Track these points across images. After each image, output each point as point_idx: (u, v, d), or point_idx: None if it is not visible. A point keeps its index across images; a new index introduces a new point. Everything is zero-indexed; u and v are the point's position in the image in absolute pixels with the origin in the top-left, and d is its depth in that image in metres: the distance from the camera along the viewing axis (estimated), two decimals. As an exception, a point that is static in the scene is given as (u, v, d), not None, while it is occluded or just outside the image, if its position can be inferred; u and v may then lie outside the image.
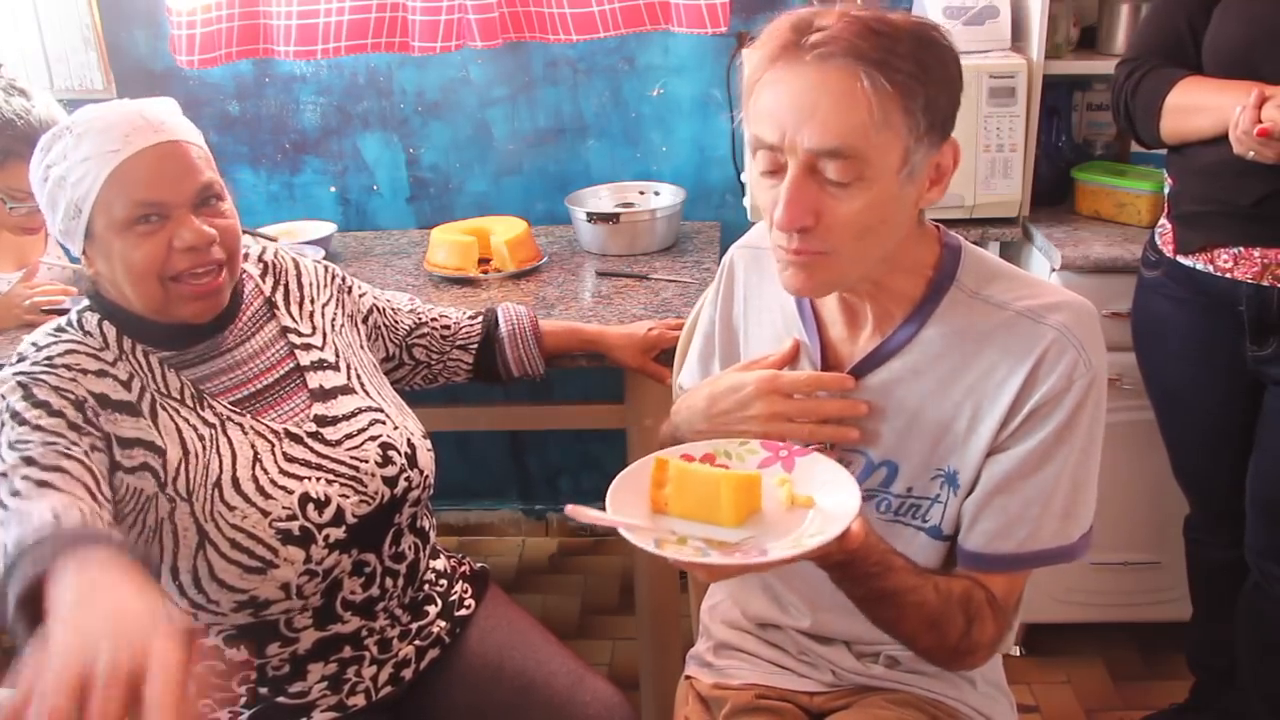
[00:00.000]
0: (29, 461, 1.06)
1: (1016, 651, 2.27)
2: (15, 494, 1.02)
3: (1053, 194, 2.25)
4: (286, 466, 1.24)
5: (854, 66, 0.95)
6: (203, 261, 1.18)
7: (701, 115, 2.45)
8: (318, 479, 1.25)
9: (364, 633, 1.31)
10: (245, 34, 2.33)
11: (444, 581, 1.44)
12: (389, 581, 1.32)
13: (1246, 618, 1.80)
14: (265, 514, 1.20)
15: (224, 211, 1.22)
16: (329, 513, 1.23)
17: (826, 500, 1.01)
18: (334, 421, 1.30)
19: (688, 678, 1.38)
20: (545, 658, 1.41)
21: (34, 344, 1.20)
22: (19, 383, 1.13)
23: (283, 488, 1.22)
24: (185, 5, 2.23)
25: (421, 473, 1.34)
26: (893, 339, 1.11)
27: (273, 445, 1.24)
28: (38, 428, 1.09)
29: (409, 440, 1.34)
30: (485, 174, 2.54)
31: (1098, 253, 1.99)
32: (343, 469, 1.27)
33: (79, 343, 1.19)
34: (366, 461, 1.29)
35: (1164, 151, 1.76)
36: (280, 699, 1.27)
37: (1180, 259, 1.70)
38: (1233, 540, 1.80)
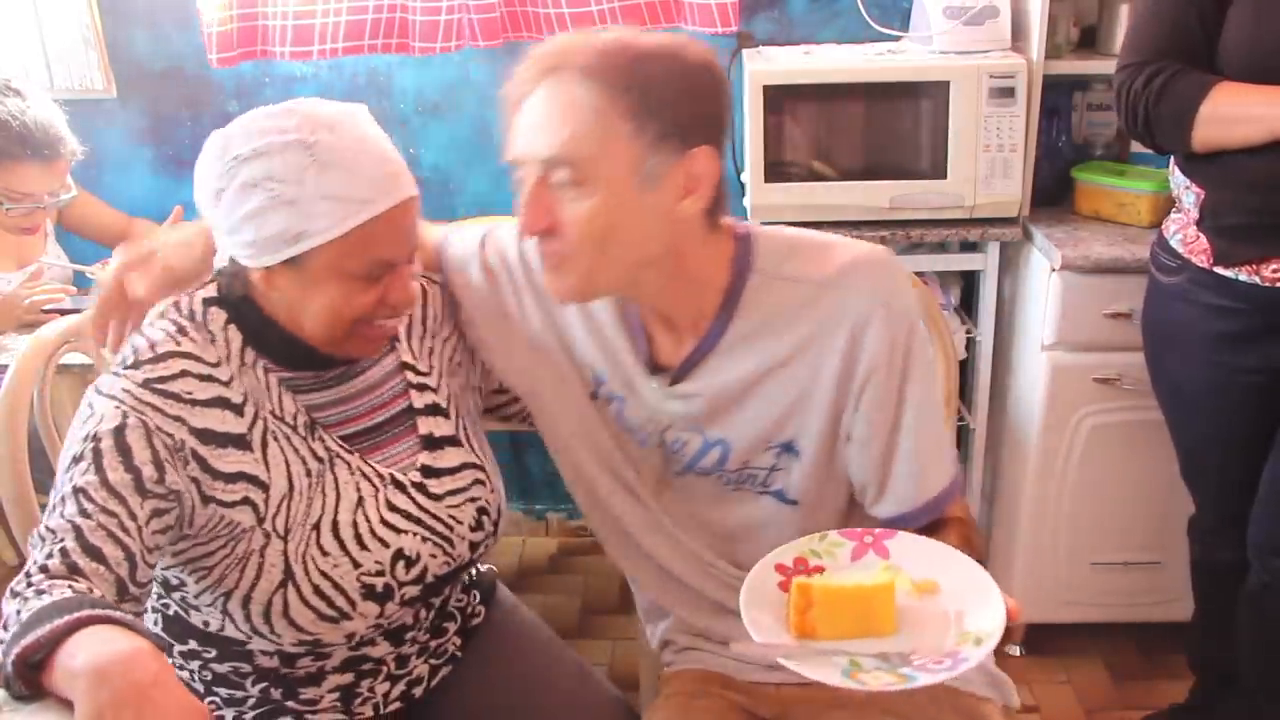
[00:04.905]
0: (77, 533, 1.00)
1: (1017, 651, 2.26)
2: (44, 570, 0.98)
3: (1053, 194, 2.24)
4: (388, 516, 1.19)
5: (574, 78, 1.04)
6: (401, 315, 1.18)
7: (701, 115, 2.44)
8: (414, 534, 1.20)
9: (388, 652, 1.28)
10: (244, 36, 2.33)
11: (462, 596, 1.40)
12: (422, 612, 1.29)
13: (1251, 616, 1.79)
14: (356, 565, 1.16)
15: (414, 265, 1.18)
16: (414, 571, 1.20)
17: (948, 579, 1.02)
18: (439, 474, 1.24)
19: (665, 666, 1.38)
20: (551, 660, 1.41)
21: (149, 342, 1.12)
22: (120, 411, 1.07)
23: (380, 539, 1.18)
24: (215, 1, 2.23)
25: (498, 536, 1.31)
26: (709, 336, 1.16)
27: (377, 490, 1.20)
28: (104, 482, 1.03)
29: (499, 506, 1.30)
30: (485, 174, 2.53)
31: (1098, 253, 1.99)
32: (439, 526, 1.22)
33: (197, 358, 1.12)
34: (462, 524, 1.24)
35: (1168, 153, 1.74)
36: (290, 703, 1.25)
37: (1218, 269, 1.63)
38: (1240, 542, 1.77)
